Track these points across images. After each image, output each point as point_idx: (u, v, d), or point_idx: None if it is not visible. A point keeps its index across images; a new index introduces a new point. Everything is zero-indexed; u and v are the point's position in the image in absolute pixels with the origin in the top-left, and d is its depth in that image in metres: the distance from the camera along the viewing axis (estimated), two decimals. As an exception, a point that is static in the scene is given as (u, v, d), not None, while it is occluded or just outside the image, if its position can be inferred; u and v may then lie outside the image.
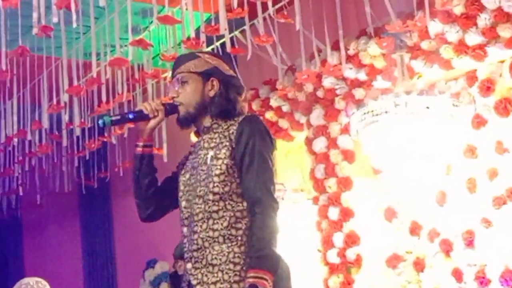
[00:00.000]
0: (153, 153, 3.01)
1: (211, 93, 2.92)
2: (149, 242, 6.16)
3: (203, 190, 2.85)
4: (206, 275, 2.78)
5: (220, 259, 2.77)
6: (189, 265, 2.84)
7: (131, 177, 3.01)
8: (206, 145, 2.91)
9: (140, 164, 2.97)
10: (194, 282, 2.80)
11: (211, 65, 2.94)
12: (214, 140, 2.90)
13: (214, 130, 2.92)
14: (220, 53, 4.96)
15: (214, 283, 2.75)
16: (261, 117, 3.33)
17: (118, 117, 2.98)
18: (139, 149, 2.97)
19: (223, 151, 2.84)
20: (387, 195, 4.99)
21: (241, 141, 2.81)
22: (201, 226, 2.82)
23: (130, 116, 2.94)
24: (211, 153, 2.86)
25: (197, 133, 3.02)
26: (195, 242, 2.82)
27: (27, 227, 8.66)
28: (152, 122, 2.92)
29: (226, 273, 2.75)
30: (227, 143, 2.84)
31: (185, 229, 2.90)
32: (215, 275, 2.76)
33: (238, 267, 2.75)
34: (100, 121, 2.86)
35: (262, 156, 2.81)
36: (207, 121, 2.94)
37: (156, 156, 5.81)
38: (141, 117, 2.90)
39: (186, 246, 2.88)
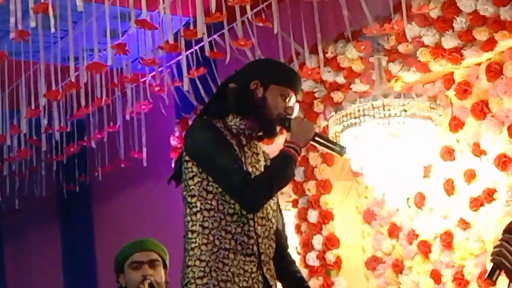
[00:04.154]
0: None
1: None
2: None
3: None
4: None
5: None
6: (267, 267, 2.81)
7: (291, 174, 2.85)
8: (255, 151, 2.96)
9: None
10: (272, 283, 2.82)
11: None
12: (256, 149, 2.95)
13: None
14: (199, 57, 4.98)
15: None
16: None
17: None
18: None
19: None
20: (366, 198, 5.02)
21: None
22: (272, 228, 2.85)
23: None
24: (262, 160, 2.96)
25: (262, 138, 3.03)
26: (271, 245, 2.83)
27: (6, 233, 8.61)
28: None
29: None
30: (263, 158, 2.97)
31: (259, 228, 2.79)
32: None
33: None
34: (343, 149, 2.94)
35: None
36: None
37: (136, 160, 5.83)
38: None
39: (260, 247, 2.78)
